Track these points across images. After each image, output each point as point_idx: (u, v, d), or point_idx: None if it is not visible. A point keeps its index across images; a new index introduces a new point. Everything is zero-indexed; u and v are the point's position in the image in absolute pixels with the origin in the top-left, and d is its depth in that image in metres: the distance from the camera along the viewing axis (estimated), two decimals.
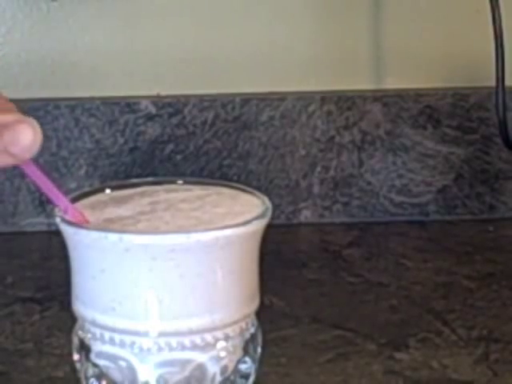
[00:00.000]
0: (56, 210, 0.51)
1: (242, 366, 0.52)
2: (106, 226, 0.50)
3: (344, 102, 0.97)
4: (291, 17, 0.98)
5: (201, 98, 0.97)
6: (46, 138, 0.94)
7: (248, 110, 0.97)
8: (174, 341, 0.49)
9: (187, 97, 0.97)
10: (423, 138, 0.98)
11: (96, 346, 0.50)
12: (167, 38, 0.98)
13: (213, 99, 0.97)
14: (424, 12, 0.99)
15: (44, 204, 0.94)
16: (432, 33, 0.99)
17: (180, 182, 0.57)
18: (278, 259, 0.88)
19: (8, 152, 0.46)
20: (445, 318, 0.77)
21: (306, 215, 0.98)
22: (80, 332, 0.51)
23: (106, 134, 0.96)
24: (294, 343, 0.74)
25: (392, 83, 1.00)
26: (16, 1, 0.96)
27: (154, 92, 0.98)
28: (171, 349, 0.49)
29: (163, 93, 0.98)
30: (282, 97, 0.97)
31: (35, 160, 0.49)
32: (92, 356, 0.51)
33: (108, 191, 0.55)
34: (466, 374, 0.69)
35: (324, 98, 0.97)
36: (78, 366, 0.52)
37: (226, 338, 0.50)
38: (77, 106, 0.96)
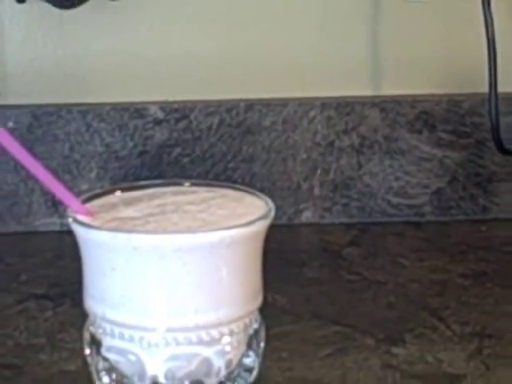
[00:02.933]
0: (68, 210, 0.51)
1: (246, 360, 0.52)
2: (116, 227, 0.50)
3: (343, 107, 0.97)
4: (293, 27, 0.98)
5: (206, 103, 0.97)
6: (59, 141, 0.95)
7: (252, 115, 0.97)
8: (180, 336, 0.49)
9: (193, 102, 0.97)
10: (419, 142, 0.98)
11: (106, 341, 0.50)
12: (174, 47, 0.98)
13: (218, 105, 0.97)
14: (420, 21, 0.99)
15: (57, 205, 0.94)
16: (427, 41, 0.99)
17: (187, 184, 0.57)
18: (280, 258, 0.88)
19: None
20: (440, 315, 0.77)
21: (306, 216, 0.98)
22: (91, 327, 0.51)
23: (116, 138, 0.96)
24: (296, 338, 0.74)
25: (389, 89, 1.00)
26: (30, 11, 0.96)
27: (161, 98, 0.98)
28: (178, 343, 0.49)
29: (171, 99, 0.98)
30: (284, 103, 0.97)
31: (46, 163, 0.49)
32: (102, 350, 0.51)
33: (118, 193, 0.55)
34: (460, 368, 0.69)
35: (324, 103, 0.97)
36: (89, 359, 0.52)
37: (231, 333, 0.50)
38: (88, 111, 0.96)
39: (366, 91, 1.00)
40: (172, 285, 0.49)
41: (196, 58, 0.98)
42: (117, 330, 0.50)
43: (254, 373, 0.52)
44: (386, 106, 0.98)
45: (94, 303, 0.51)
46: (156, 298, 0.49)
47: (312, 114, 0.97)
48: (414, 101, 0.98)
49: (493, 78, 0.92)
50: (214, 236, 0.49)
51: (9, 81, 0.98)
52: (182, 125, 0.96)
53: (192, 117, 0.96)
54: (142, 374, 0.49)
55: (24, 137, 0.94)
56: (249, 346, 0.51)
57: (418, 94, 0.99)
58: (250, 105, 0.97)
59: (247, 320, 0.51)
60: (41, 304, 0.80)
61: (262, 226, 0.51)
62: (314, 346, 0.72)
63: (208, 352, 0.50)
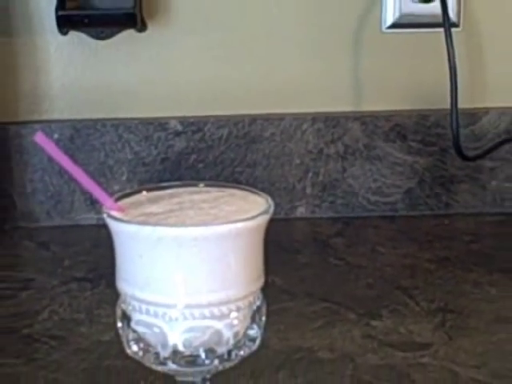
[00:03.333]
0: (103, 207, 0.51)
1: (250, 332, 0.51)
2: (143, 221, 0.50)
3: (330, 121, 0.97)
4: (289, 56, 0.98)
5: (217, 118, 0.97)
6: (96, 150, 0.95)
7: (254, 127, 0.97)
8: (196, 312, 0.49)
9: (207, 117, 0.97)
10: (393, 150, 0.98)
11: (135, 316, 0.50)
12: (191, 73, 0.98)
13: (227, 119, 0.97)
14: (393, 50, 0.99)
15: (94, 203, 0.94)
16: (400, 67, 0.99)
17: (201, 185, 0.56)
18: (278, 247, 0.88)
19: None
20: (410, 293, 0.77)
21: (300, 211, 0.98)
22: (122, 305, 0.51)
23: (143, 147, 0.96)
24: (291, 313, 0.73)
25: (368, 106, 1.00)
26: (72, 41, 0.96)
27: (180, 114, 0.98)
28: (194, 318, 0.49)
29: (188, 114, 0.98)
30: (281, 117, 0.97)
31: (85, 168, 0.49)
32: (132, 324, 0.50)
33: (144, 193, 0.55)
34: (427, 337, 0.69)
35: (315, 118, 0.97)
36: (120, 331, 0.51)
37: (238, 309, 0.50)
38: (120, 124, 0.96)
39: (349, 108, 1.00)
40: (189, 269, 0.48)
41: (209, 82, 0.98)
42: (144, 307, 0.49)
43: (257, 342, 0.52)
44: (365, 120, 0.97)
45: (124, 284, 0.50)
46: (176, 280, 0.49)
47: (304, 126, 0.97)
48: (388, 115, 0.98)
49: (454, 96, 0.92)
50: (224, 228, 0.48)
51: (54, 99, 0.98)
52: (197, 136, 0.96)
53: (205, 129, 0.96)
54: (164, 343, 0.49)
55: (67, 146, 0.94)
56: (252, 319, 0.51)
57: (392, 110, 0.99)
58: (253, 119, 0.97)
59: (251, 298, 0.51)
60: (81, 285, 0.80)
61: (263, 220, 0.50)
62: (307, 320, 0.72)
63: (219, 325, 0.49)
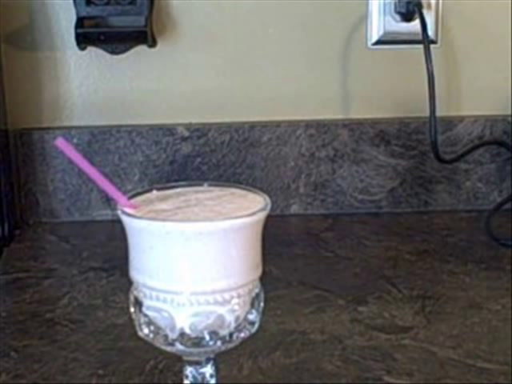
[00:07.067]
0: (118, 205, 0.50)
1: (250, 316, 0.51)
2: (154, 217, 0.50)
3: (321, 127, 0.97)
4: (285, 69, 0.98)
5: (220, 125, 0.97)
6: (111, 153, 0.95)
7: (253, 133, 0.97)
8: (201, 298, 0.48)
9: (210, 124, 0.97)
10: (378, 153, 0.98)
11: (146, 302, 0.50)
12: (196, 84, 0.98)
13: (228, 126, 0.97)
14: (377, 64, 0.99)
15: (109, 200, 0.94)
16: (384, 79, 0.99)
17: (205, 185, 0.56)
18: (275, 240, 0.88)
19: None
20: (393, 282, 0.77)
21: (294, 208, 0.98)
22: (135, 291, 0.51)
23: (153, 150, 0.96)
24: (286, 300, 0.73)
25: (355, 114, 1.00)
26: (89, 55, 0.96)
27: (186, 121, 0.98)
28: (199, 304, 0.49)
29: (193, 121, 0.98)
30: (277, 124, 0.97)
31: (101, 169, 0.48)
32: (143, 309, 0.50)
33: (154, 191, 0.55)
34: (408, 321, 0.69)
35: (307, 124, 0.97)
36: (133, 316, 0.51)
37: (239, 296, 0.50)
38: (132, 130, 0.96)
39: (338, 115, 1.00)
40: (195, 260, 0.48)
41: (212, 92, 0.98)
42: (154, 294, 0.49)
43: (256, 326, 0.52)
44: (352, 126, 0.97)
45: (136, 273, 0.50)
46: (183, 269, 0.49)
47: (298, 132, 0.97)
48: (373, 123, 0.98)
49: (432, 105, 0.92)
50: (226, 224, 0.48)
51: (73, 108, 0.97)
52: (201, 141, 0.96)
53: (209, 135, 0.96)
54: (172, 327, 0.49)
55: (85, 150, 0.94)
56: (252, 305, 0.51)
57: (377, 118, 0.99)
58: (252, 126, 0.97)
59: (250, 286, 0.51)
60: (98, 274, 0.80)
61: (261, 216, 0.50)
62: (300, 306, 0.72)
63: (222, 310, 0.49)
